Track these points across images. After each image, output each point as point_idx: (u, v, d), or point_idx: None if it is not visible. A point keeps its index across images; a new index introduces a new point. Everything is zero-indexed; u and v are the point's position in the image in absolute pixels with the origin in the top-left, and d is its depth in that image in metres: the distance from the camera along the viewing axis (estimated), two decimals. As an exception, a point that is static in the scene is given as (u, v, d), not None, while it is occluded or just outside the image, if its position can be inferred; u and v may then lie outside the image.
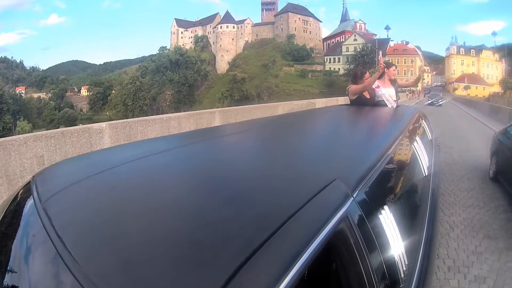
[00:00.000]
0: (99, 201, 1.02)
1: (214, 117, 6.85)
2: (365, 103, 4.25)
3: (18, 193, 1.26)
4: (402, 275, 1.14)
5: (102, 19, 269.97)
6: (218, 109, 7.40)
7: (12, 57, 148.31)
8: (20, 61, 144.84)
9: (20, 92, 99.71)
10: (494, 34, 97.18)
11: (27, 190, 1.19)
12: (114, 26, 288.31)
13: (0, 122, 70.30)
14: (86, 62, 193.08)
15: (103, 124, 4.50)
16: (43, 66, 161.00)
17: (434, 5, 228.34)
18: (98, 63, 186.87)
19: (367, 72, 4.58)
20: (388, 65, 4.78)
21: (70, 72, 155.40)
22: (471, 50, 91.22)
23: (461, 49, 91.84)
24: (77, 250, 0.73)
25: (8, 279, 0.83)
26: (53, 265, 0.75)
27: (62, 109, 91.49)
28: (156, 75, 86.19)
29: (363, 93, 4.35)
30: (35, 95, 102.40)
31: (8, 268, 0.87)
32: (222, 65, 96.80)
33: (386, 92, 4.45)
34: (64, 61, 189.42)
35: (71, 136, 4.00)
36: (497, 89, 76.69)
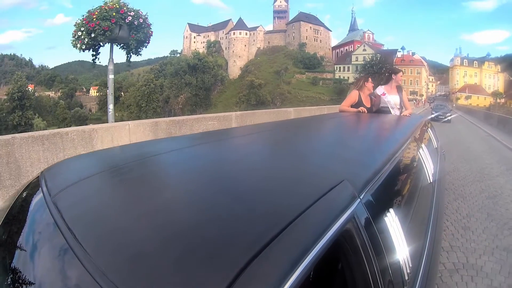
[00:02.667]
0: (110, 196, 1.05)
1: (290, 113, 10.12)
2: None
3: (27, 187, 1.30)
4: (406, 277, 1.20)
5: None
6: (292, 108, 10.65)
7: (21, 54, 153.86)
8: (29, 59, 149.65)
9: (30, 90, 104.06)
10: (488, 54, 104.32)
11: (35, 185, 1.23)
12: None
13: (22, 117, 74.23)
14: (92, 62, 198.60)
15: (291, 109, 9.66)
16: (49, 65, 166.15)
17: (439, 15, 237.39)
18: (104, 64, 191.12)
19: (369, 81, 4.77)
20: (395, 71, 4.84)
21: (76, 72, 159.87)
22: (474, 62, 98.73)
23: (464, 60, 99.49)
24: (88, 243, 0.75)
25: (18, 272, 0.85)
26: (63, 257, 0.78)
27: (73, 109, 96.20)
28: (174, 78, 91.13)
29: (364, 102, 4.55)
30: (44, 94, 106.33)
31: (18, 261, 0.90)
32: (234, 71, 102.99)
33: (392, 100, 4.57)
34: (70, 61, 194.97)
35: (282, 113, 9.13)
36: (498, 98, 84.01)
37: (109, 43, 7.06)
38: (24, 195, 1.25)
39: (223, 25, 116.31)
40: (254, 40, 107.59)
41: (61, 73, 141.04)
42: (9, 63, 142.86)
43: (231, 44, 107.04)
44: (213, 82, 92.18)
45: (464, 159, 9.42)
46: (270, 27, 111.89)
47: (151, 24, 7.37)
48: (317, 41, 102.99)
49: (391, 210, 1.26)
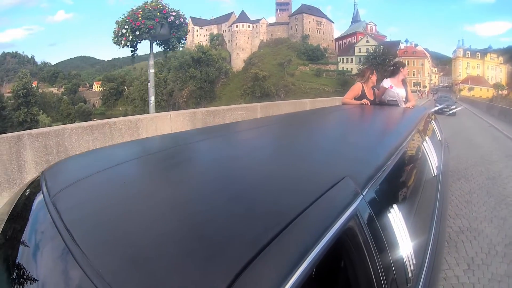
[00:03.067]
0: (109, 196, 1.03)
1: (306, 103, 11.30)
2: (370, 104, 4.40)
3: (28, 187, 1.30)
4: (410, 274, 1.20)
5: (109, 16, 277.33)
6: (308, 99, 11.89)
7: (23, 52, 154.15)
8: (31, 56, 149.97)
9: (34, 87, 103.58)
10: (490, 47, 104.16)
11: (36, 185, 1.23)
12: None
13: (28, 114, 73.90)
14: (94, 58, 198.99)
15: (306, 100, 10.84)
16: (52, 61, 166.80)
17: (441, 6, 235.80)
18: (106, 59, 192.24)
19: (374, 73, 4.77)
20: (402, 64, 4.84)
21: (79, 68, 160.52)
22: (477, 53, 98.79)
23: (467, 52, 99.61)
24: (86, 244, 0.75)
25: (17, 273, 0.85)
26: (62, 259, 0.77)
27: (76, 104, 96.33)
28: (179, 72, 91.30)
29: (367, 94, 4.55)
30: (48, 90, 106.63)
31: (17, 262, 0.89)
32: (237, 63, 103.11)
33: (400, 93, 4.55)
34: (72, 57, 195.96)
35: (299, 104, 10.29)
36: (500, 90, 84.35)
37: (149, 40, 8.02)
38: (25, 195, 1.25)
39: (225, 18, 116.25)
40: (257, 33, 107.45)
41: (63, 69, 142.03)
42: (12, 60, 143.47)
43: (234, 37, 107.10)
44: (217, 75, 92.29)
45: (466, 147, 10.26)
46: (272, 19, 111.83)
47: (188, 23, 8.37)
48: (320, 33, 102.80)
49: (394, 206, 1.25)
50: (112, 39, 7.92)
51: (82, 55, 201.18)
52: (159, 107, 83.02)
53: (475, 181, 6.24)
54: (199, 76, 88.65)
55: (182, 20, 8.07)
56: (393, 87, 4.52)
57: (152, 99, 7.97)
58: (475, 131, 15.28)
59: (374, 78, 4.73)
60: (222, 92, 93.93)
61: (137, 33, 7.57)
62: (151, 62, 8.09)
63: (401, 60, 5.77)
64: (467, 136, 13.02)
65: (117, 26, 7.75)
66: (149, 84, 8.23)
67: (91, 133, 4.40)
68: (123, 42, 7.73)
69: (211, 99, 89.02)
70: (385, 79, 4.65)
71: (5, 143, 3.60)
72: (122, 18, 7.71)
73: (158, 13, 7.56)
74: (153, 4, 7.67)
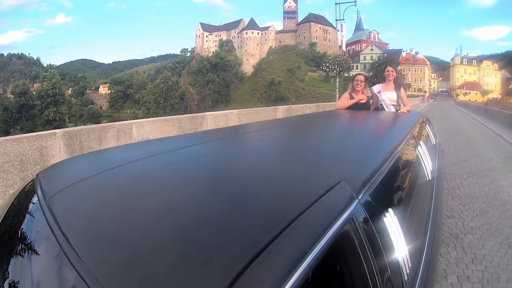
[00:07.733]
0: (104, 199, 1.05)
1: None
2: (361, 108, 4.59)
3: (23, 190, 1.32)
4: (406, 277, 1.23)
5: (109, 20, 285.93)
6: (327, 103, 17.05)
7: (29, 54, 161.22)
8: (37, 58, 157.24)
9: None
10: (482, 55, 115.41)
11: (31, 187, 1.26)
12: (121, 26, 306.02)
13: (57, 113, 79.83)
14: (95, 61, 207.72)
15: (326, 104, 19.44)
16: (54, 63, 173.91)
17: (439, 11, 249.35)
18: (107, 62, 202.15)
19: (358, 81, 4.84)
20: (393, 67, 4.96)
21: (79, 71, 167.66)
22: (473, 60, 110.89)
23: (464, 59, 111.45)
24: (81, 247, 0.76)
25: (12, 276, 0.86)
26: (57, 262, 0.78)
27: (85, 106, 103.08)
28: (197, 76, 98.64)
29: (360, 100, 4.72)
30: None
31: (12, 265, 0.91)
32: (247, 68, 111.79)
33: (387, 97, 4.69)
34: (73, 60, 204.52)
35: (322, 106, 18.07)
36: (494, 95, 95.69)
37: (339, 70, 33.99)
38: (20, 198, 1.27)
39: (234, 24, 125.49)
40: (266, 40, 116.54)
41: (65, 71, 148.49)
42: (17, 62, 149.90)
43: (244, 43, 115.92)
44: (233, 80, 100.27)
45: (453, 125, 20.17)
46: (279, 26, 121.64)
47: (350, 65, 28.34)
48: (326, 40, 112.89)
49: (389, 210, 1.29)
50: (324, 67, 29.05)
51: (83, 58, 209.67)
52: (172, 110, 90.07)
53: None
54: (217, 81, 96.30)
55: (348, 64, 25.73)
56: (381, 92, 4.80)
57: (337, 96, 23.08)
58: (462, 120, 25.57)
59: (356, 83, 4.89)
60: (233, 96, 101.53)
61: (340, 68, 33.36)
62: (337, 79, 33.76)
63: (394, 65, 5.93)
64: (455, 122, 23.04)
65: (328, 63, 34.65)
66: (336, 90, 28.57)
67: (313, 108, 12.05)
68: (335, 71, 33.35)
69: (226, 102, 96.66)
70: (376, 85, 4.96)
71: (267, 112, 9.00)
72: (332, 61, 33.40)
73: (348, 61, 25.90)
74: (345, 57, 26.12)
